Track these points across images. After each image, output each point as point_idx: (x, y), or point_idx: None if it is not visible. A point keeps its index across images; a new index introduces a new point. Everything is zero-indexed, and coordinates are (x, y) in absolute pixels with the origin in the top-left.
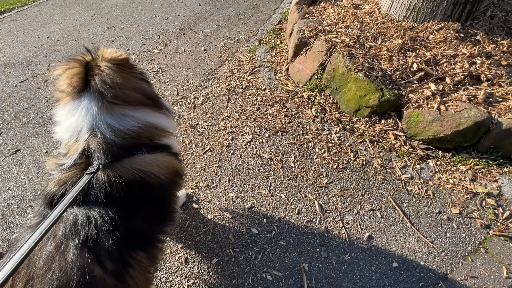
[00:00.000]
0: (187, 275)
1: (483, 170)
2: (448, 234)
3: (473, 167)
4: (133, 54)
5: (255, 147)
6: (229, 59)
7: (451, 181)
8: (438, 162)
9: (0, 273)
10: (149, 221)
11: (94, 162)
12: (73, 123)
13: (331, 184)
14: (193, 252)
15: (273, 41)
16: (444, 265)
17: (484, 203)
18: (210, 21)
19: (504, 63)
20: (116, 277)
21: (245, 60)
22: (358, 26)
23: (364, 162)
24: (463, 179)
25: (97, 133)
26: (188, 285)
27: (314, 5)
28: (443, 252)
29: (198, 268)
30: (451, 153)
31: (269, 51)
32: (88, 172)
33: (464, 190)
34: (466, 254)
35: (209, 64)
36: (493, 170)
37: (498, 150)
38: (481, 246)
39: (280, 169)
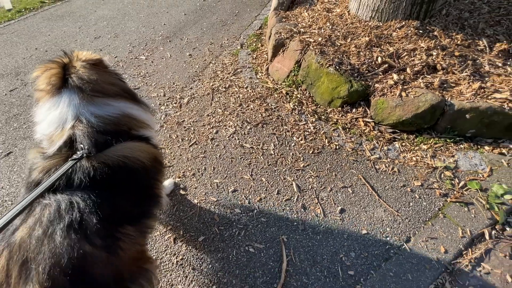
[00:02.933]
0: (176, 252)
1: (442, 148)
2: (411, 204)
3: (433, 145)
4: (120, 61)
5: (238, 139)
6: (213, 62)
7: (414, 158)
8: (403, 144)
9: None
10: (134, 203)
11: (78, 151)
12: (56, 116)
13: (307, 167)
14: (181, 232)
15: (254, 44)
16: (407, 230)
17: (442, 176)
18: (195, 28)
19: (457, 54)
20: (107, 251)
21: (228, 63)
22: (330, 27)
23: (337, 147)
24: (424, 156)
25: (82, 119)
26: (177, 261)
27: (291, 10)
28: (406, 219)
29: (186, 246)
30: (414, 135)
31: (251, 53)
32: (72, 158)
33: (426, 166)
34: (427, 219)
35: (194, 68)
36: (450, 147)
37: (454, 129)
38: (440, 212)
39: (261, 157)
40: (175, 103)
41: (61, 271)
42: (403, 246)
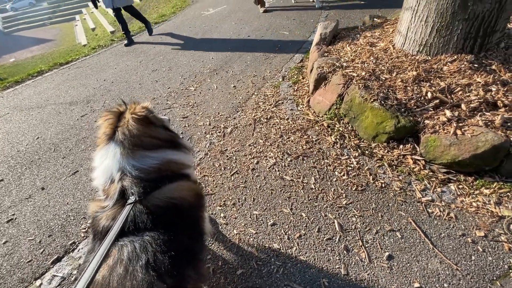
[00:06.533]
0: (214, 285)
1: (509, 193)
2: (473, 257)
3: (498, 190)
4: (172, 92)
5: (278, 170)
6: (256, 93)
7: (474, 204)
8: (460, 186)
9: None
10: (189, 239)
11: (131, 197)
12: (106, 167)
13: (350, 204)
14: (220, 263)
15: (295, 77)
16: None
17: (511, 227)
18: (239, 62)
19: None
20: None
21: (269, 94)
22: (374, 61)
23: (383, 185)
24: (487, 202)
25: (126, 172)
26: None
27: (333, 45)
28: (468, 275)
29: (224, 279)
30: (473, 177)
31: (292, 85)
32: (128, 203)
33: (489, 214)
34: (494, 278)
35: (237, 99)
36: None
37: None
38: (510, 270)
39: (301, 190)
40: (219, 132)
41: None
42: None
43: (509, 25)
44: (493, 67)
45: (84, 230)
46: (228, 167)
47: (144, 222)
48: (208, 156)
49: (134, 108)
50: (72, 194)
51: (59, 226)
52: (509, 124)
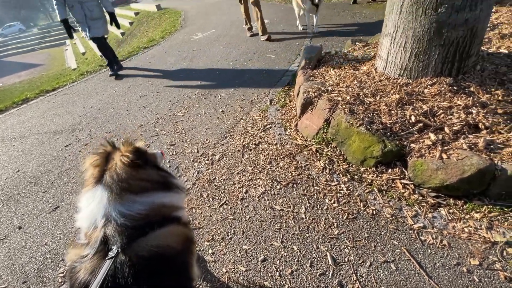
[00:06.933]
0: None
1: (499, 217)
2: None
3: (488, 214)
4: (160, 118)
5: (268, 199)
6: (244, 118)
7: (466, 230)
8: (451, 210)
9: None
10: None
11: (113, 247)
12: (90, 211)
13: (342, 235)
14: None
15: (282, 100)
16: None
17: (505, 253)
18: (228, 86)
19: (500, 111)
20: None
21: (258, 119)
22: (358, 85)
23: (374, 212)
24: (478, 227)
25: (111, 219)
26: None
27: (318, 69)
28: None
29: None
30: (463, 201)
31: (280, 109)
32: (109, 257)
33: (482, 240)
34: None
35: (226, 124)
36: (510, 218)
37: (511, 196)
38: None
39: (292, 221)
40: (207, 160)
41: None
42: None
43: (482, 48)
44: (472, 89)
45: (61, 275)
46: (217, 198)
47: (125, 277)
48: (196, 186)
49: (125, 149)
50: (51, 233)
51: (35, 271)
52: (491, 146)
